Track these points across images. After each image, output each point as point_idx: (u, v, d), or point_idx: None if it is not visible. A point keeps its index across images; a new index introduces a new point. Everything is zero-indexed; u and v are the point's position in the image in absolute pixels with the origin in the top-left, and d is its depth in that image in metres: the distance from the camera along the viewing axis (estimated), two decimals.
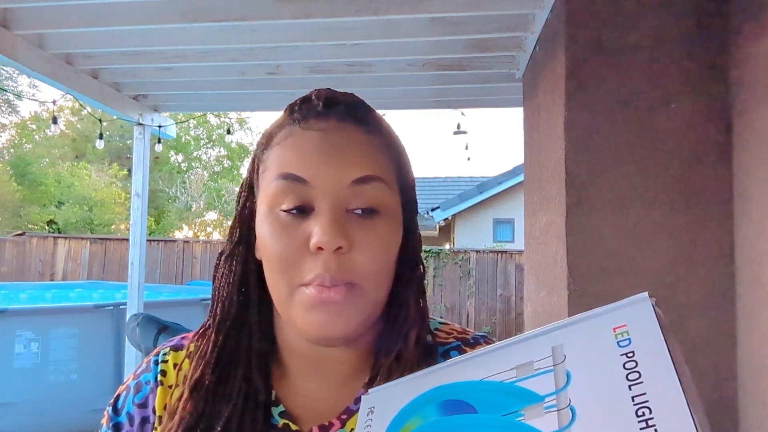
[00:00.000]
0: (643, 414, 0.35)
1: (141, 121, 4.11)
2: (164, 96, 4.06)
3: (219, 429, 0.56)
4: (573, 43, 1.87)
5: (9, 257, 10.65)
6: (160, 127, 4.34)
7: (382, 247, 0.56)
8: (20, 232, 12.02)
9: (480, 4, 2.34)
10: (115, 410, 0.63)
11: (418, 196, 0.65)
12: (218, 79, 3.47)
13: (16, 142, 19.03)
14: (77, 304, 6.48)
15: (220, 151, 21.23)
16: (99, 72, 3.48)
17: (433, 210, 12.73)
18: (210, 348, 0.61)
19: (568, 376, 0.39)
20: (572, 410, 0.37)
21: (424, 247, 1.85)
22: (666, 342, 0.38)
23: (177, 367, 0.63)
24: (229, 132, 16.78)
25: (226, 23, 2.50)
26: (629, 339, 0.39)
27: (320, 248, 0.53)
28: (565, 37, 1.89)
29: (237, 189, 0.88)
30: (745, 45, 1.73)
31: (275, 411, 0.60)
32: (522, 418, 0.39)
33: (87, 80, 3.40)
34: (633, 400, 0.36)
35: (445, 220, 12.58)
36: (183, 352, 0.65)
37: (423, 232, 1.01)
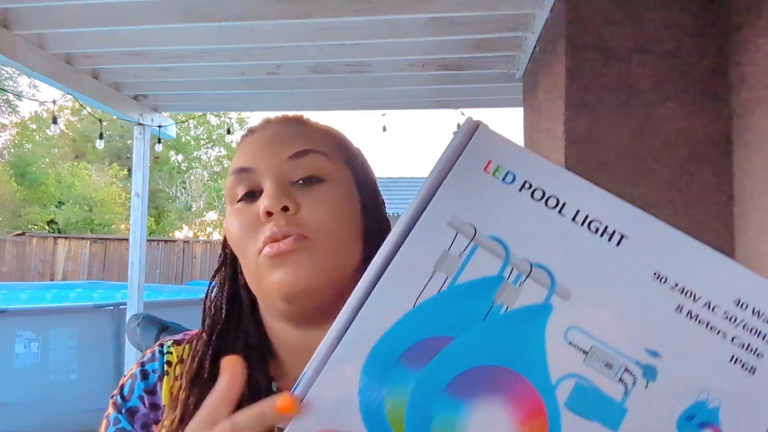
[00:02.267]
0: (586, 217, 0.36)
1: (141, 121, 4.11)
2: (164, 96, 4.06)
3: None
4: (573, 43, 1.87)
5: (9, 257, 10.65)
6: (160, 127, 4.34)
7: (330, 208, 0.59)
8: (20, 232, 12.02)
9: (480, 4, 2.34)
10: (124, 397, 0.64)
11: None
12: (218, 79, 3.47)
13: (16, 142, 19.03)
14: (77, 304, 6.48)
15: (220, 151, 21.23)
16: (99, 72, 3.48)
17: None
18: (203, 347, 0.63)
19: (499, 241, 0.36)
20: (540, 266, 0.35)
21: None
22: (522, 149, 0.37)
23: (179, 360, 0.65)
24: (229, 132, 16.75)
25: (226, 23, 2.50)
26: (511, 173, 0.37)
27: (268, 213, 0.57)
28: (565, 37, 1.89)
29: None
30: (745, 45, 1.73)
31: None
32: (503, 309, 0.35)
33: (87, 80, 3.40)
34: (562, 213, 0.36)
35: None
36: (184, 347, 0.67)
37: None
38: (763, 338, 0.35)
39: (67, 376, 4.40)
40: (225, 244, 0.67)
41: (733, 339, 0.35)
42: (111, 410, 0.64)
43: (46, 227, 15.97)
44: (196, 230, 19.41)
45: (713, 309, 0.35)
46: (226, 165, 21.11)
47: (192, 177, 19.54)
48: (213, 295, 0.67)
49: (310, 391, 0.35)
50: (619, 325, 0.35)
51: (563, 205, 0.36)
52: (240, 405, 0.59)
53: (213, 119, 20.36)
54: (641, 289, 0.35)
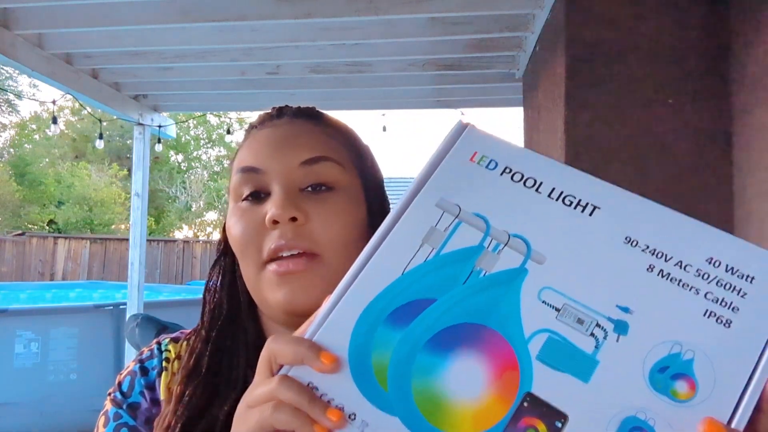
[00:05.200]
0: (561, 193, 0.40)
1: (141, 121, 4.11)
2: (164, 96, 4.06)
3: (226, 409, 0.57)
4: (573, 43, 1.87)
5: (9, 257, 10.65)
6: (160, 127, 4.34)
7: (340, 219, 0.58)
8: (20, 232, 12.03)
9: (480, 4, 2.34)
10: (123, 393, 0.63)
11: None
12: (218, 79, 3.48)
13: (16, 142, 19.03)
14: (77, 304, 6.47)
15: (220, 151, 21.21)
16: (99, 72, 3.48)
17: None
18: (202, 344, 0.62)
19: (481, 217, 0.39)
20: (518, 236, 0.38)
21: None
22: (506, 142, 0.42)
23: (176, 356, 0.65)
24: (229, 132, 16.73)
25: (226, 23, 2.50)
26: (494, 160, 0.41)
27: (275, 222, 0.56)
28: (565, 37, 1.89)
29: None
30: (745, 45, 1.73)
31: None
32: (483, 273, 0.38)
33: (87, 80, 3.40)
34: (539, 191, 0.40)
35: None
36: (181, 344, 0.66)
37: None
38: (738, 293, 0.36)
39: (67, 376, 4.40)
40: (225, 235, 0.65)
41: (706, 294, 0.36)
42: (109, 406, 0.63)
43: (46, 227, 15.96)
44: (196, 230, 19.41)
45: (685, 267, 0.37)
46: (226, 165, 21.09)
47: (192, 177, 19.54)
48: (212, 286, 0.66)
49: (315, 339, 0.38)
50: (590, 284, 0.37)
51: (540, 184, 0.40)
52: (236, 405, 0.59)
53: (213, 119, 20.34)
54: (613, 252, 0.37)
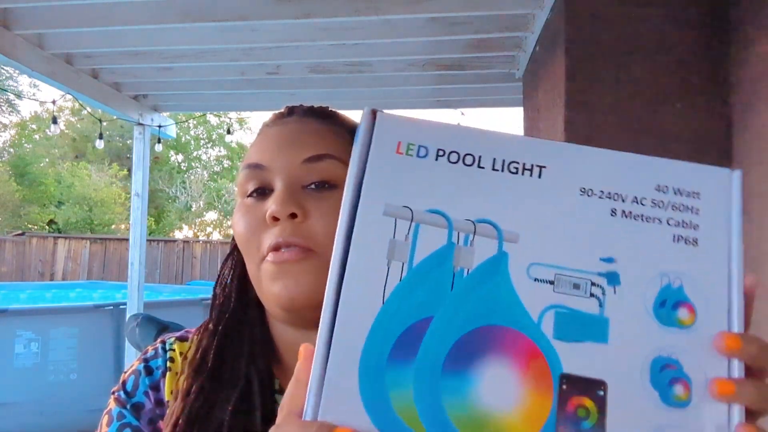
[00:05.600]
0: (503, 162, 0.38)
1: (141, 121, 4.11)
2: (164, 96, 4.06)
3: (229, 409, 0.57)
4: (573, 43, 1.87)
5: (9, 257, 10.65)
6: (160, 127, 4.34)
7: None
8: (20, 232, 12.03)
9: (480, 4, 2.34)
10: (127, 393, 0.63)
11: None
12: (218, 79, 3.48)
13: (16, 142, 19.03)
14: (77, 304, 6.48)
15: (220, 151, 21.22)
16: (99, 72, 3.48)
17: None
18: (209, 338, 0.62)
19: (437, 212, 0.37)
20: (483, 221, 0.37)
21: None
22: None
23: (183, 356, 0.64)
24: (229, 132, 16.77)
25: (226, 23, 2.50)
26: (422, 146, 0.38)
27: (275, 218, 0.56)
28: (565, 37, 1.89)
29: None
30: (745, 45, 1.73)
31: (280, 399, 0.61)
32: (465, 272, 0.36)
33: (87, 80, 3.40)
34: (481, 166, 0.38)
35: None
36: (188, 343, 0.66)
37: None
38: (692, 211, 0.38)
39: (67, 376, 4.40)
40: None
41: (668, 221, 0.37)
42: (113, 405, 0.62)
43: (46, 227, 15.96)
44: (196, 230, 19.41)
45: (641, 202, 0.37)
46: (226, 165, 21.11)
47: (192, 177, 19.53)
48: (222, 280, 0.66)
49: (320, 416, 0.34)
50: (569, 246, 0.36)
51: (479, 158, 0.38)
52: (242, 401, 0.59)
53: (213, 119, 20.35)
54: (575, 207, 0.37)
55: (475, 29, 2.56)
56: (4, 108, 18.23)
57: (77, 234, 13.79)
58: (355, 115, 0.71)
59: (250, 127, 21.33)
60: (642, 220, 0.37)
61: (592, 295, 0.36)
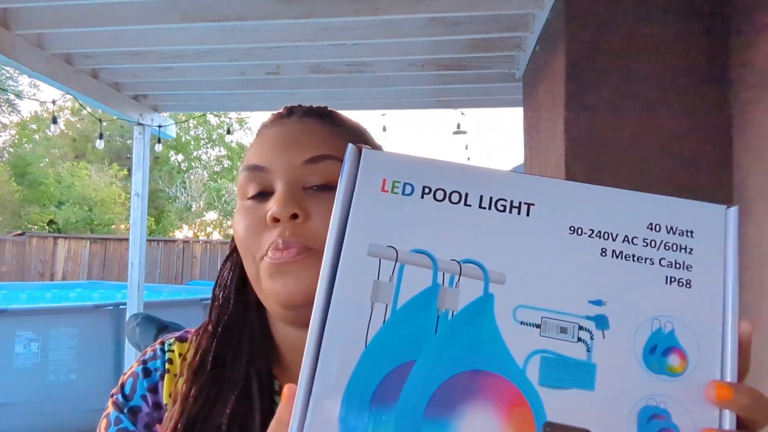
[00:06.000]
0: (491, 200, 0.37)
1: (141, 121, 4.11)
2: (164, 96, 4.06)
3: (228, 412, 0.57)
4: (573, 43, 1.87)
5: (9, 257, 10.65)
6: (160, 127, 4.34)
7: None
8: (20, 232, 12.03)
9: (480, 4, 2.34)
10: (125, 396, 0.62)
11: None
12: (218, 79, 3.48)
13: (16, 142, 19.03)
14: (77, 304, 6.48)
15: (220, 151, 21.22)
16: (99, 72, 3.48)
17: None
18: (208, 340, 0.62)
19: (422, 252, 0.36)
20: (468, 261, 0.36)
21: None
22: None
23: (182, 358, 0.64)
24: (229, 132, 16.78)
25: (226, 23, 2.50)
26: (408, 183, 0.37)
27: (276, 219, 0.56)
28: (565, 37, 1.89)
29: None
30: (745, 45, 1.73)
31: (278, 400, 0.61)
32: (450, 314, 0.35)
33: (87, 80, 3.40)
34: (468, 204, 0.37)
35: None
36: (187, 344, 0.66)
37: None
38: (685, 251, 0.36)
39: (67, 376, 4.40)
40: None
41: (660, 261, 0.36)
42: (111, 409, 0.62)
43: (46, 227, 15.96)
44: (196, 230, 19.41)
45: (632, 241, 0.36)
46: (226, 165, 21.12)
47: (192, 177, 19.53)
48: (222, 281, 0.66)
49: None
50: (557, 288, 0.35)
51: (466, 195, 0.37)
52: (241, 402, 0.59)
53: (213, 119, 20.35)
54: (563, 247, 0.36)
55: (475, 29, 2.56)
56: (4, 108, 18.22)
57: (77, 234, 13.79)
58: (355, 115, 0.71)
59: (250, 127, 21.33)
60: (633, 260, 0.36)
61: (579, 339, 0.35)
